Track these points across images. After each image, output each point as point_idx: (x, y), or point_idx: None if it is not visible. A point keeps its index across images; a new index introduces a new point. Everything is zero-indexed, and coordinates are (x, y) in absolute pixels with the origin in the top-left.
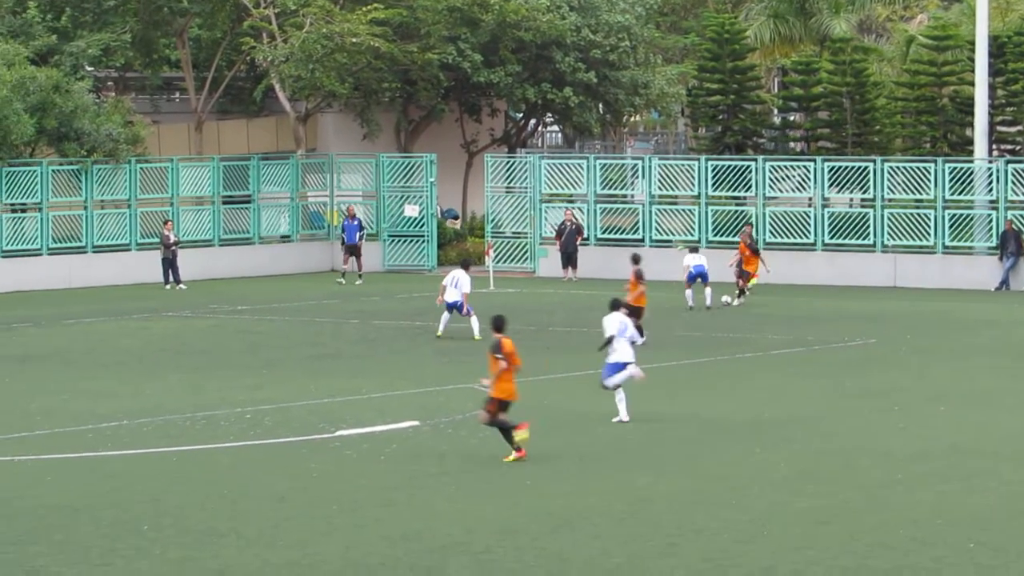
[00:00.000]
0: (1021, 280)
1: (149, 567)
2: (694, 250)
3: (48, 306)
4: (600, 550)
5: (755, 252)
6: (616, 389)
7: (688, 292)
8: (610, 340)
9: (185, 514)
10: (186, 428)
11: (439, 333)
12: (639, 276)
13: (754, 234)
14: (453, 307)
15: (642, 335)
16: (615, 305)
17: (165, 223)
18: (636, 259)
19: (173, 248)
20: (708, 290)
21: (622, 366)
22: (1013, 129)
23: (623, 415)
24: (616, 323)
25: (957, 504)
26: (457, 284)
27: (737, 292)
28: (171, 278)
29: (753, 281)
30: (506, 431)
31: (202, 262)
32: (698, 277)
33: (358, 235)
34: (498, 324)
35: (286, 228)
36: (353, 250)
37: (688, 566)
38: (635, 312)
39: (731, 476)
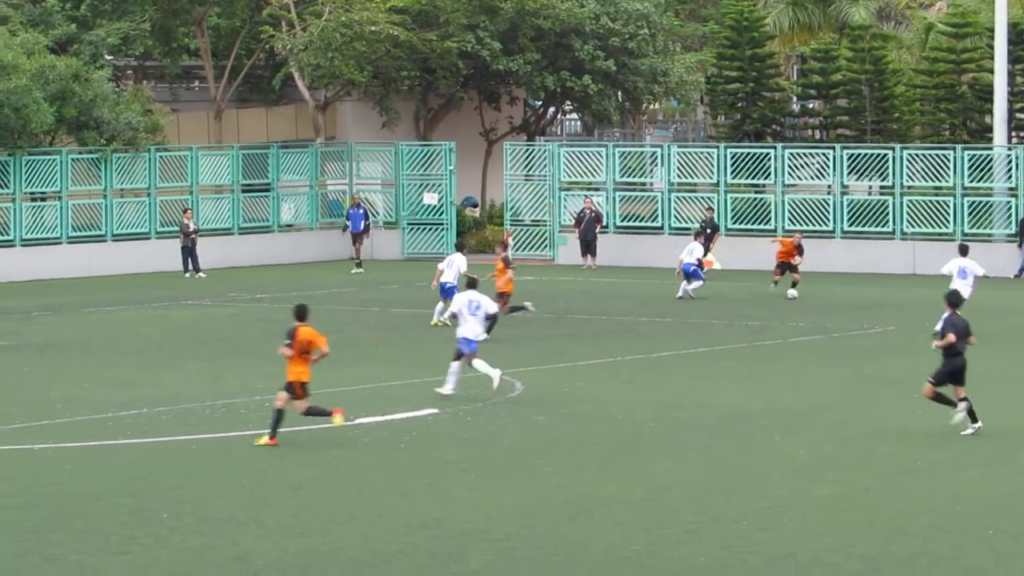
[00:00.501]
0: None
1: (168, 555)
2: (700, 235)
3: (68, 295)
4: (620, 537)
5: (801, 250)
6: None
7: (684, 283)
8: (454, 316)
9: (204, 502)
10: (205, 416)
11: (433, 321)
12: (507, 262)
13: (715, 218)
14: (444, 289)
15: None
16: (471, 284)
17: (184, 211)
18: (505, 246)
19: (193, 236)
20: (690, 285)
21: (472, 342)
22: None
23: (449, 389)
24: (465, 300)
25: (976, 491)
26: (452, 265)
27: (789, 283)
28: (190, 266)
29: (709, 267)
30: (322, 415)
31: (221, 250)
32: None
33: (363, 224)
34: (300, 313)
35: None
36: (357, 238)
37: (707, 553)
38: (503, 296)
39: (750, 463)
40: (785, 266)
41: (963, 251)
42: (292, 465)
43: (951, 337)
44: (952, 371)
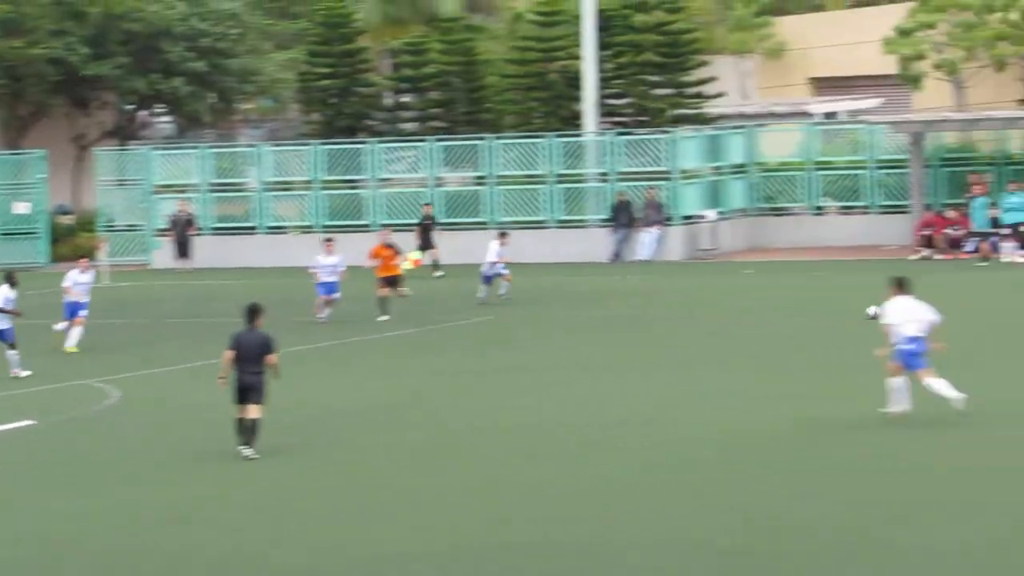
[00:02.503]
0: (633, 251)
1: None
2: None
3: None
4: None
5: (396, 249)
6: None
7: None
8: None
9: None
10: None
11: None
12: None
13: (433, 212)
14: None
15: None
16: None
17: None
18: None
19: None
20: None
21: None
22: (622, 102)
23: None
24: (2, 297)
25: (574, 476)
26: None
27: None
28: None
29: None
30: None
31: None
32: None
33: None
34: None
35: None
36: None
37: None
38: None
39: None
40: (392, 280)
41: None
42: None
43: (228, 354)
44: (239, 389)
